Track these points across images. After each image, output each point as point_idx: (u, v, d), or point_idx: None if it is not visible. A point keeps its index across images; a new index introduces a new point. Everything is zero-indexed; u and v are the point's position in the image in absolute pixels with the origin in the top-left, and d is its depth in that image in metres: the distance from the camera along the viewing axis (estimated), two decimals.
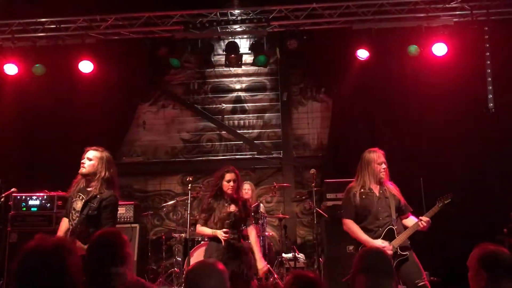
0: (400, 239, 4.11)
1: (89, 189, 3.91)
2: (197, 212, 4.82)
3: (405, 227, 4.23)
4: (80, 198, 3.91)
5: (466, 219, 6.37)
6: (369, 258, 2.49)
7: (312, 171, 5.80)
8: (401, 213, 4.29)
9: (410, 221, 4.27)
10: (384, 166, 4.26)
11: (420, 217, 4.17)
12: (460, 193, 6.53)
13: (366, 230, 4.15)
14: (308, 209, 7.48)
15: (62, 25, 6.89)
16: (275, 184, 6.82)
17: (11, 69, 6.85)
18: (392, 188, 4.31)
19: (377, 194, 4.23)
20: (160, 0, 7.12)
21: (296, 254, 6.33)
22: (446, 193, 4.20)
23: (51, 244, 1.84)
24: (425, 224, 4.11)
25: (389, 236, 4.11)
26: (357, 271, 2.46)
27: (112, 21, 6.86)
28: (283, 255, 6.32)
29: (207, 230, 4.47)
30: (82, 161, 3.95)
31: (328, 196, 6.08)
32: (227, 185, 4.50)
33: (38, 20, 6.83)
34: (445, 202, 4.17)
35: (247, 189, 6.85)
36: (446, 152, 6.78)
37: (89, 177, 3.92)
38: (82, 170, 3.93)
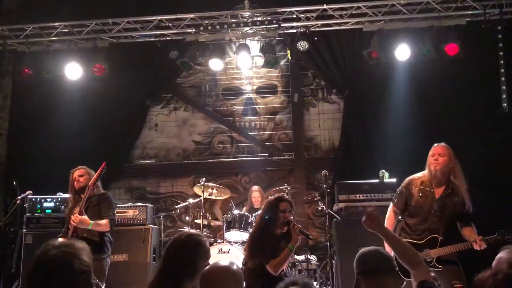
0: (441, 251, 3.88)
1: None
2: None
3: (462, 238, 3.96)
4: (79, 205, 4.51)
5: (482, 220, 6.29)
6: (366, 259, 2.44)
7: (324, 172, 5.79)
8: (461, 221, 4.00)
9: (469, 232, 3.95)
10: (436, 156, 4.02)
11: (477, 239, 3.81)
12: (474, 193, 6.50)
13: (410, 228, 4.02)
14: (320, 211, 7.45)
15: (75, 29, 6.97)
16: (286, 186, 6.82)
17: (25, 73, 6.94)
18: (461, 190, 3.99)
19: (436, 196, 4.00)
20: (172, 3, 7.18)
21: (308, 256, 6.32)
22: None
23: (63, 247, 1.84)
24: (480, 248, 3.79)
25: (431, 244, 3.94)
26: (357, 275, 2.40)
27: (124, 25, 6.93)
28: (295, 257, 6.31)
29: (282, 256, 3.73)
30: (75, 180, 4.65)
31: (340, 197, 6.05)
32: (282, 216, 3.82)
33: (52, 24, 6.93)
34: (506, 238, 3.77)
35: (256, 196, 6.84)
36: (460, 153, 6.69)
37: (84, 189, 4.57)
38: (80, 184, 4.63)
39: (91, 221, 4.36)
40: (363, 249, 2.52)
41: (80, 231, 4.41)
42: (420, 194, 4.02)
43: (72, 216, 4.38)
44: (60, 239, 1.96)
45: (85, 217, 4.35)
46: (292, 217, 3.92)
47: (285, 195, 4.06)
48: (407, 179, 4.19)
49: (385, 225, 3.78)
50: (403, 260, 2.65)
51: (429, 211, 3.98)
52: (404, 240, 3.46)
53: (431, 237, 3.96)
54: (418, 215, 4.03)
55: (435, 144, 4.18)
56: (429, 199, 4.00)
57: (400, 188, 4.24)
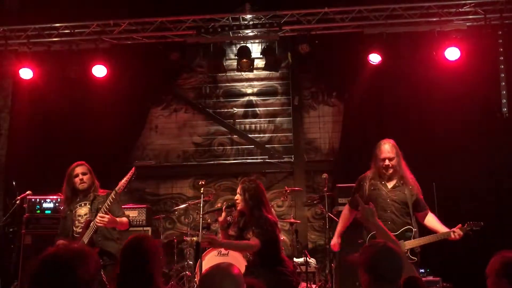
0: (416, 242, 4.01)
1: (88, 195, 4.44)
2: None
3: (424, 226, 4.16)
4: (84, 204, 4.41)
5: (482, 221, 6.29)
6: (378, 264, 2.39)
7: (324, 175, 5.80)
8: (418, 210, 4.18)
9: (431, 221, 4.15)
10: (387, 162, 4.17)
11: (454, 229, 4.00)
12: (473, 197, 6.51)
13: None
14: (320, 214, 7.45)
15: (76, 30, 6.98)
16: (286, 188, 6.81)
17: (26, 73, 6.95)
18: (411, 181, 4.19)
19: (389, 187, 4.18)
20: (173, 5, 7.18)
21: (307, 258, 6.31)
22: (478, 221, 4.03)
23: (66, 253, 1.84)
24: (457, 237, 3.97)
25: (405, 236, 4.03)
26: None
27: (125, 26, 6.93)
28: (295, 259, 6.30)
29: None
30: (78, 177, 4.38)
31: (340, 200, 6.05)
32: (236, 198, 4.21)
33: (53, 25, 6.93)
34: (473, 228, 3.99)
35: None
36: (459, 156, 6.72)
37: (87, 190, 4.41)
38: (84, 186, 4.39)
39: (117, 220, 4.24)
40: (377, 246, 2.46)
41: (95, 236, 4.21)
42: (372, 188, 4.19)
43: (98, 217, 4.09)
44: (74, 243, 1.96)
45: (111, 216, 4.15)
46: (241, 200, 4.07)
47: (246, 181, 4.15)
48: (358, 178, 4.40)
49: (340, 222, 4.40)
50: None
51: (386, 200, 4.10)
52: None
53: (406, 228, 4.05)
54: (376, 208, 4.17)
55: (383, 144, 4.27)
56: (383, 191, 4.16)
57: (353, 188, 4.48)
